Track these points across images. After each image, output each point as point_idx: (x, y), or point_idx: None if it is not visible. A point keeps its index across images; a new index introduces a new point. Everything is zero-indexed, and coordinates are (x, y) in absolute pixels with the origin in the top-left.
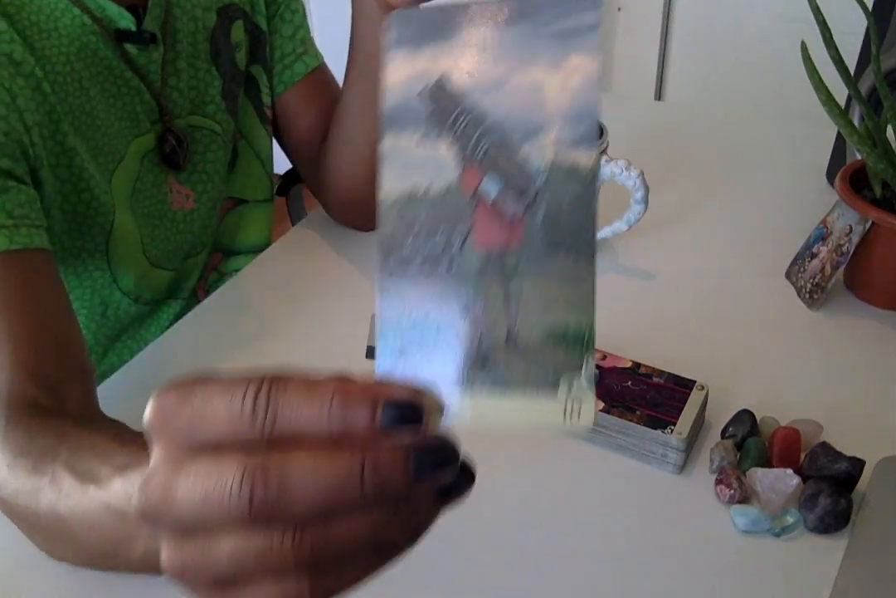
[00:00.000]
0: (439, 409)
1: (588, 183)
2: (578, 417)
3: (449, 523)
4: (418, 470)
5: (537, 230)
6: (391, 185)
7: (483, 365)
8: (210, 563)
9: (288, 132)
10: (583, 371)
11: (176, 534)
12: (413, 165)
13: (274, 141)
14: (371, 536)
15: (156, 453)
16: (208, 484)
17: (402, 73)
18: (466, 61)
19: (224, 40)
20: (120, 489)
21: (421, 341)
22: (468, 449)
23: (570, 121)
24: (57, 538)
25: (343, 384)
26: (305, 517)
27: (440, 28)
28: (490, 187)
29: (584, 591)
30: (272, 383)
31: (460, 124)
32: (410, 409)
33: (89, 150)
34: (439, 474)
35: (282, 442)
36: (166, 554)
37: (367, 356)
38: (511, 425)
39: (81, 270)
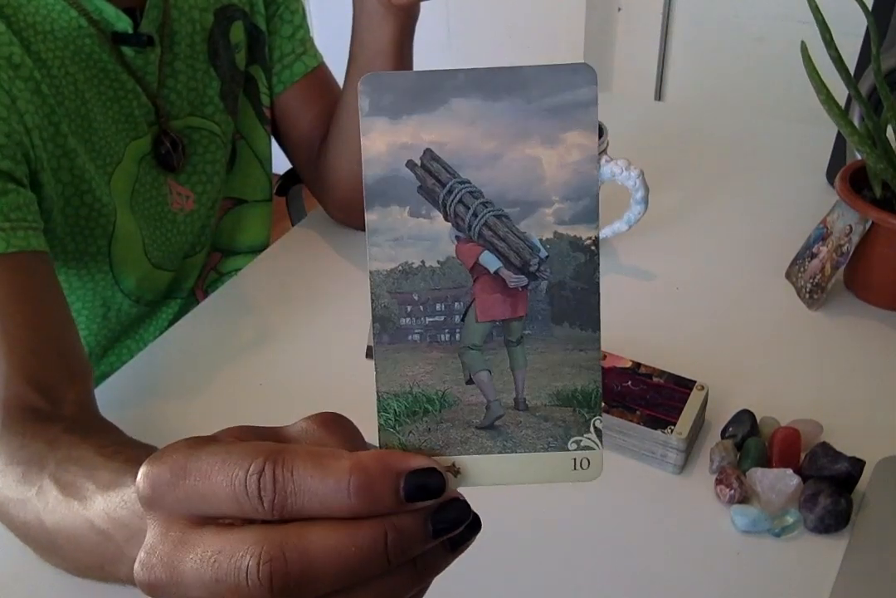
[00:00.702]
0: (450, 471)
1: (591, 254)
2: (587, 467)
3: None
4: (438, 531)
5: (541, 302)
6: (381, 261)
7: (492, 429)
8: None
9: (287, 132)
10: (591, 427)
11: None
12: (404, 241)
13: (273, 141)
14: (390, 595)
15: (153, 527)
16: (221, 562)
17: (384, 143)
18: (455, 133)
19: (223, 41)
20: (101, 509)
21: (424, 408)
22: None
23: (570, 197)
24: (46, 549)
25: (357, 460)
26: (330, 591)
27: (420, 96)
28: (490, 261)
29: (584, 591)
30: (276, 461)
31: (454, 198)
32: (431, 477)
33: (87, 152)
34: (455, 531)
35: (293, 518)
36: None
37: (367, 356)
38: (521, 481)
39: (84, 272)
